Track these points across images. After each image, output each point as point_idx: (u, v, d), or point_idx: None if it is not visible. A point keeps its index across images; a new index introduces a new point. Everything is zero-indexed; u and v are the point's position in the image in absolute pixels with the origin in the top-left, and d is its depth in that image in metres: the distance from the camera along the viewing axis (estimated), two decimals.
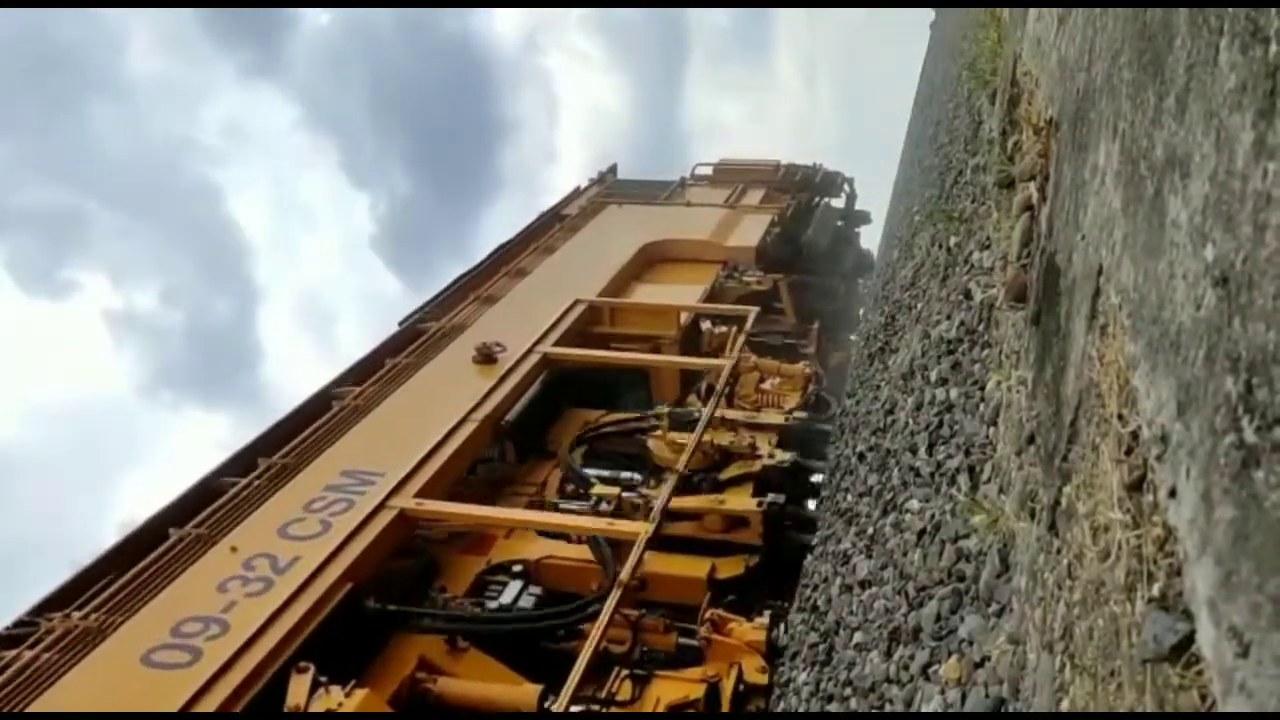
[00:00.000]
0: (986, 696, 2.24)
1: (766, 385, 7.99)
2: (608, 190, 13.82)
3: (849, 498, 5.55)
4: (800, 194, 13.25)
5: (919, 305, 6.24)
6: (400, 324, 9.20)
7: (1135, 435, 1.33)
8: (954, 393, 4.03)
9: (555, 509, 6.85)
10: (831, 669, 3.99)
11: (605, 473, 7.12)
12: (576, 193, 13.83)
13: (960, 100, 8.24)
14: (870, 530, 4.48)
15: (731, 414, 7.30)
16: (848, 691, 3.54)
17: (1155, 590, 1.14)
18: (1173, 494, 1.10)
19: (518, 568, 6.26)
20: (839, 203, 14.28)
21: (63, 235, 58.36)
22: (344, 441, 6.62)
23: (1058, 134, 2.37)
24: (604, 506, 6.20)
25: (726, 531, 6.38)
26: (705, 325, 8.73)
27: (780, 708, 4.74)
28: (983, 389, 3.51)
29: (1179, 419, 1.10)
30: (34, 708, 4.37)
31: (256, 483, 6.13)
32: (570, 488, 7.16)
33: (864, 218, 14.59)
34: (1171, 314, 1.18)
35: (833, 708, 3.65)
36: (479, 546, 6.62)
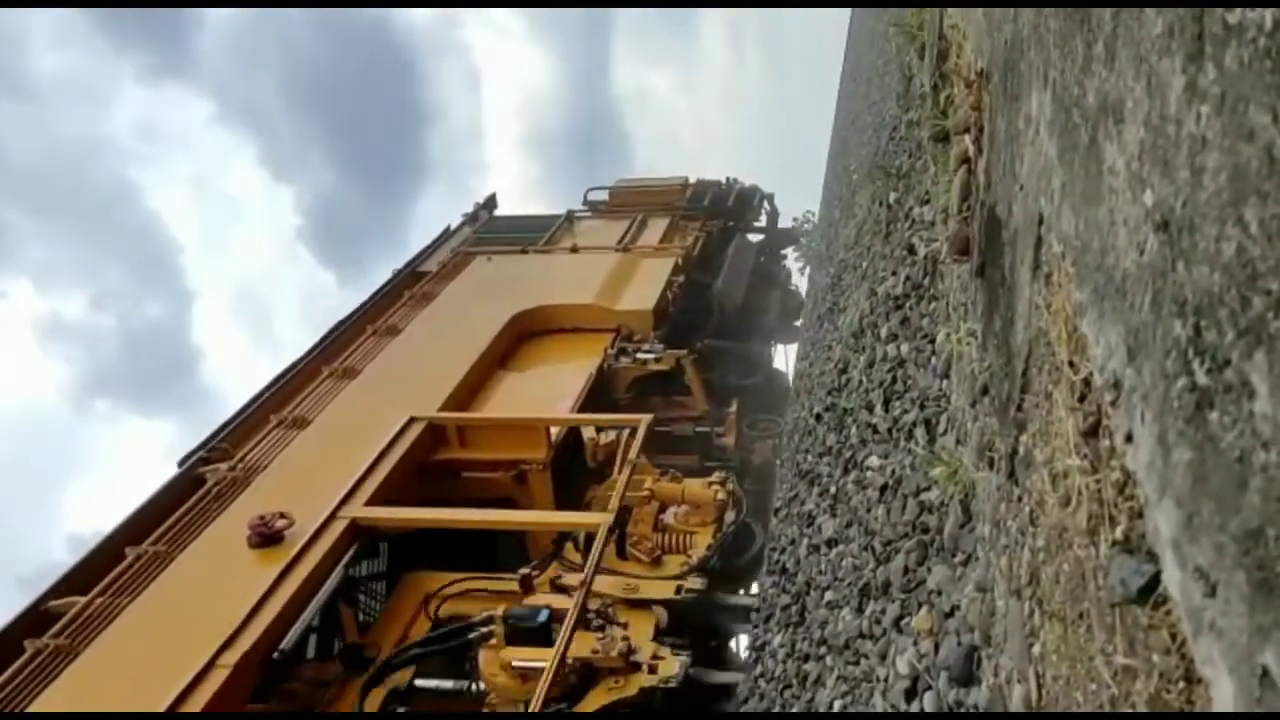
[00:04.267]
0: (959, 644, 2.28)
1: (669, 518, 6.06)
2: (481, 232, 11.75)
3: (809, 458, 5.61)
4: (711, 222, 11.51)
5: (864, 263, 6.30)
6: (181, 463, 6.92)
7: (1087, 382, 1.34)
8: (905, 348, 4.07)
9: None
10: (805, 629, 4.04)
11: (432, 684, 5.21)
12: (446, 235, 11.74)
13: (889, 55, 8.28)
14: (833, 489, 4.53)
15: (609, 588, 5.30)
16: (822, 650, 3.59)
17: (1118, 534, 1.15)
18: (1129, 439, 1.12)
19: None
20: (760, 223, 12.57)
21: None
22: None
23: (989, 86, 2.39)
24: None
25: None
26: (588, 432, 6.87)
27: (757, 671, 4.80)
28: (933, 343, 3.55)
29: (1130, 364, 1.12)
30: None
31: None
32: None
33: (789, 238, 12.34)
34: (1115, 260, 1.19)
35: (808, 667, 3.71)
36: None
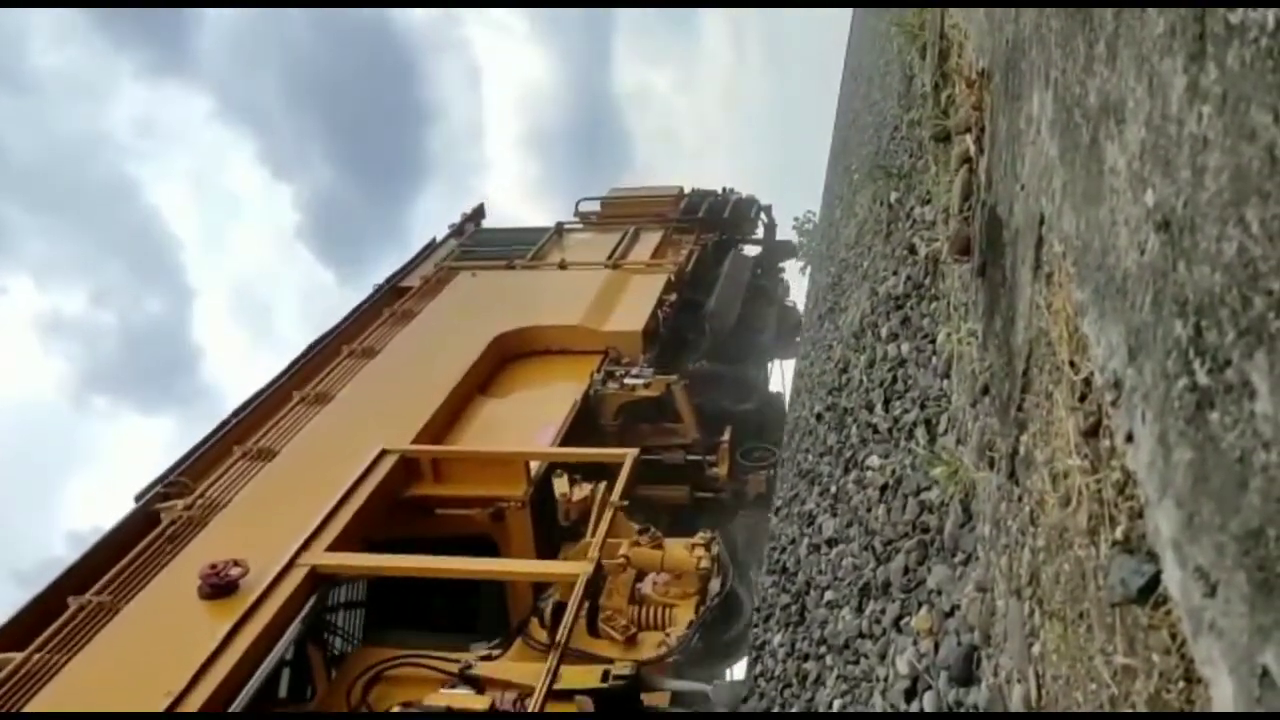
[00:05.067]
0: (959, 644, 2.28)
1: (647, 588, 5.45)
2: (467, 246, 11.28)
3: (810, 458, 5.61)
4: (705, 235, 11.07)
5: (865, 263, 6.30)
6: (138, 498, 6.48)
7: (1088, 382, 1.34)
8: (905, 348, 4.07)
9: None
10: (805, 629, 4.04)
11: None
12: (431, 247, 11.29)
13: (891, 55, 8.28)
14: (833, 489, 4.54)
15: (529, 676, 4.55)
16: (822, 650, 3.60)
17: (1118, 533, 1.15)
18: (1129, 438, 1.12)
19: None
20: (757, 235, 12.19)
21: None
22: None
23: (990, 85, 2.39)
24: None
25: None
26: (560, 486, 6.11)
27: (757, 670, 4.80)
28: (934, 342, 3.55)
29: (1131, 364, 1.12)
30: None
31: None
32: None
33: (787, 250, 12.21)
34: (1116, 260, 1.19)
35: (808, 667, 3.71)
36: None
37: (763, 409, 9.03)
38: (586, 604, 4.81)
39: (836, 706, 3.13)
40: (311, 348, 8.49)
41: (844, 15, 20.74)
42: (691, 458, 7.99)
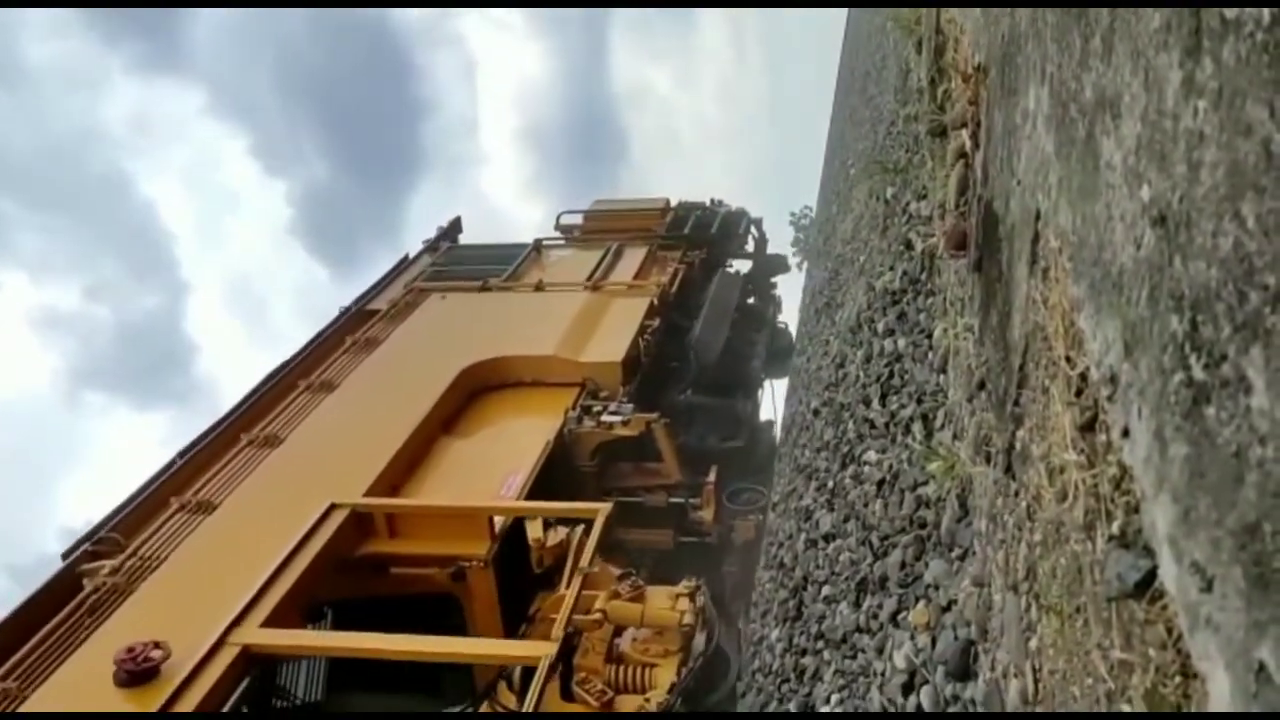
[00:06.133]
0: (956, 639, 2.29)
1: (626, 644, 5.03)
2: (440, 264, 10.60)
3: (807, 453, 5.62)
4: (692, 252, 10.46)
5: (861, 258, 6.30)
6: (65, 556, 5.92)
7: (1084, 377, 1.34)
8: (902, 343, 4.08)
9: None
10: (802, 623, 4.05)
11: None
12: (403, 265, 10.68)
13: (887, 50, 8.27)
14: (830, 484, 4.54)
15: None
16: (820, 645, 3.60)
17: (1115, 528, 1.16)
18: (1125, 434, 1.12)
19: None
20: (747, 249, 11.63)
21: None
22: None
23: (986, 80, 2.38)
24: None
25: None
26: (534, 531, 5.67)
27: (754, 665, 4.81)
28: (930, 337, 3.56)
29: (1127, 359, 1.12)
30: None
31: None
32: None
33: (779, 265, 11.77)
34: (1112, 255, 1.19)
35: (806, 662, 3.71)
36: None
37: (752, 445, 8.50)
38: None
39: (834, 701, 3.14)
40: (265, 382, 7.82)
41: (842, 11, 20.74)
42: (675, 500, 7.50)
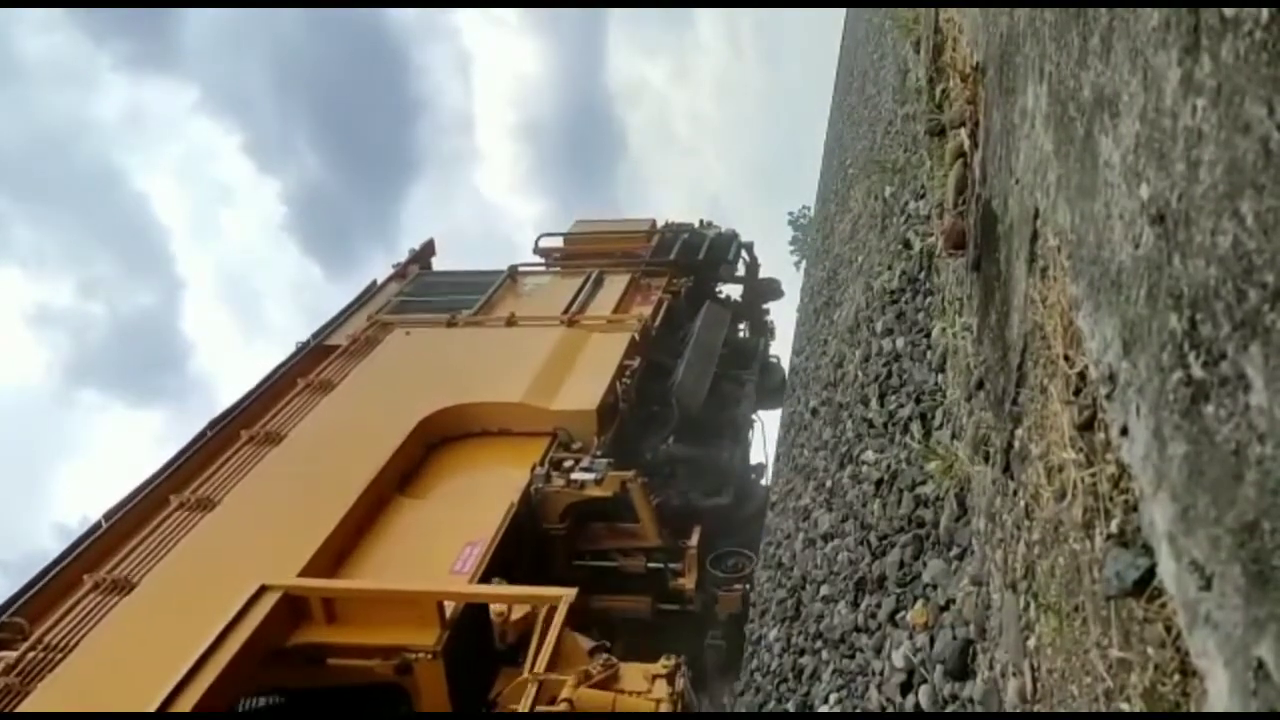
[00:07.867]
0: (954, 638, 2.29)
1: None
2: (408, 294, 9.95)
3: (805, 453, 5.62)
4: (678, 279, 9.79)
5: (860, 258, 6.30)
6: None
7: (1083, 375, 1.34)
8: (900, 342, 4.08)
9: None
10: (800, 623, 4.05)
11: None
12: (370, 292, 10.02)
13: (886, 49, 8.28)
14: (829, 484, 4.54)
15: None
16: (818, 644, 3.60)
17: (1113, 527, 1.16)
18: (1124, 432, 1.12)
19: None
20: (737, 273, 10.83)
21: None
22: None
23: (984, 79, 2.38)
24: None
25: None
26: (497, 606, 5.17)
27: (753, 664, 4.81)
28: (928, 337, 3.56)
29: (1125, 357, 1.12)
30: None
31: None
32: None
33: (772, 290, 11.10)
34: (1111, 254, 1.19)
35: (804, 661, 3.71)
36: None
37: (739, 501, 7.77)
38: None
39: (832, 700, 3.14)
40: (203, 433, 7.12)
41: (840, 10, 20.73)
42: (653, 565, 6.85)
